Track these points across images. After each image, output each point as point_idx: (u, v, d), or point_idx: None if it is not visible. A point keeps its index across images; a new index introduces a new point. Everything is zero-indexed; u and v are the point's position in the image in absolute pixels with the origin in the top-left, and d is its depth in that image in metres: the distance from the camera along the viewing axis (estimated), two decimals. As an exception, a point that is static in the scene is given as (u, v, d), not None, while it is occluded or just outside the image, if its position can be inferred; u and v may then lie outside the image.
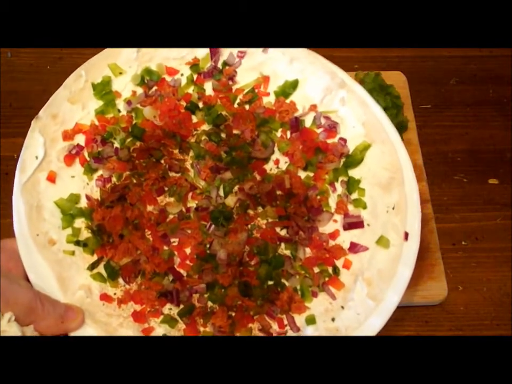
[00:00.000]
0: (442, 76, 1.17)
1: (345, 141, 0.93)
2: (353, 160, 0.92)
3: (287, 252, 0.87)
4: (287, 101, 0.96)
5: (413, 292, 0.93)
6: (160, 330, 0.80)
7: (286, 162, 0.93)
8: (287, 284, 0.84)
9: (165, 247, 0.85)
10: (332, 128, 0.94)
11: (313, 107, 0.96)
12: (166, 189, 0.89)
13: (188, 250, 0.86)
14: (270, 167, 0.93)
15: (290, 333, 0.81)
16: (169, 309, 0.82)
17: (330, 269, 0.86)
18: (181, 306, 0.82)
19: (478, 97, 1.14)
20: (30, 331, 0.71)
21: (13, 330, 0.68)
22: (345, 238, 0.88)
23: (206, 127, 0.95)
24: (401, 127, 1.04)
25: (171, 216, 0.88)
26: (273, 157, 0.93)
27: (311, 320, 0.81)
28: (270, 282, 0.84)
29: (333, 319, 0.81)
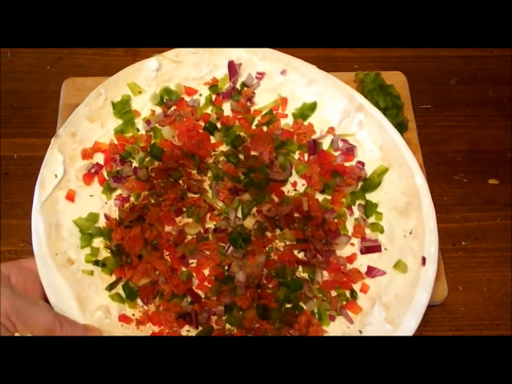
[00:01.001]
0: (442, 75, 1.17)
1: (363, 164, 0.94)
2: (371, 183, 0.92)
3: (305, 275, 0.87)
4: (305, 123, 0.97)
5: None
6: None
7: (303, 184, 0.93)
8: (305, 307, 0.84)
9: (184, 268, 0.85)
10: (350, 151, 0.94)
11: (331, 130, 0.96)
12: (184, 209, 0.89)
13: (206, 272, 0.85)
14: (287, 189, 0.93)
15: None
16: (187, 331, 0.82)
17: (347, 293, 0.86)
18: (199, 328, 0.81)
19: (478, 97, 1.14)
20: None
21: None
22: (362, 262, 0.88)
23: (224, 147, 0.95)
24: (401, 127, 1.04)
25: (189, 237, 0.87)
26: (291, 179, 0.93)
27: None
28: (288, 305, 0.84)
29: None
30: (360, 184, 0.93)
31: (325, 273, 0.87)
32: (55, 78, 1.09)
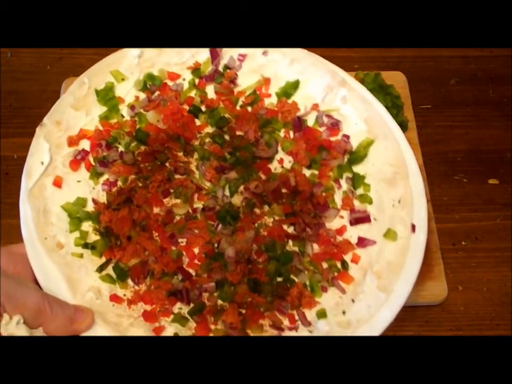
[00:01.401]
0: (442, 76, 1.17)
1: (348, 137, 0.94)
2: (357, 156, 0.92)
3: (295, 249, 0.87)
4: (289, 101, 0.97)
5: (413, 292, 0.93)
6: (171, 329, 0.79)
7: (290, 161, 0.93)
8: (296, 279, 0.84)
9: (173, 247, 0.85)
10: (335, 126, 0.95)
11: (315, 106, 0.96)
12: (172, 191, 0.89)
13: (196, 250, 0.86)
14: (274, 166, 0.93)
15: (301, 328, 0.81)
16: (180, 308, 0.82)
17: (339, 264, 0.86)
18: (191, 305, 0.82)
19: (478, 97, 1.15)
20: (39, 333, 0.70)
21: (21, 332, 0.67)
22: (352, 233, 0.88)
23: (209, 129, 0.95)
24: (401, 127, 1.04)
25: (178, 217, 0.88)
26: (277, 157, 0.94)
27: (322, 314, 0.81)
28: (279, 279, 0.84)
29: (343, 312, 0.81)
30: (346, 157, 0.93)
31: (315, 246, 0.87)
32: (55, 78, 1.09)
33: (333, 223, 0.89)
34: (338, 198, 0.91)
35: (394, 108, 1.04)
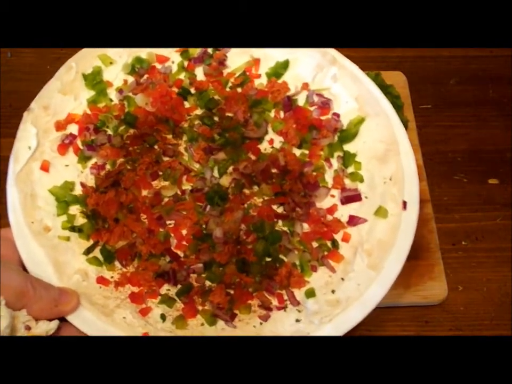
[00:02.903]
0: (442, 76, 1.17)
1: (338, 115, 0.93)
2: (348, 134, 0.92)
3: (285, 228, 0.86)
4: (279, 81, 0.96)
5: (413, 292, 0.93)
6: (158, 310, 0.79)
7: (280, 141, 0.93)
8: (285, 259, 0.84)
9: (161, 229, 0.85)
10: (325, 105, 0.94)
11: (305, 86, 0.96)
12: (161, 173, 0.89)
13: (184, 232, 0.85)
14: (264, 147, 0.92)
15: (290, 308, 0.80)
16: (167, 290, 0.82)
17: (329, 243, 0.85)
18: (179, 286, 0.81)
19: (478, 97, 1.14)
20: (22, 316, 0.70)
21: (3, 314, 0.67)
22: (343, 212, 0.87)
23: (198, 111, 0.95)
24: (401, 127, 1.04)
25: (166, 199, 0.87)
26: (268, 137, 0.93)
27: (310, 293, 0.81)
28: (268, 259, 0.84)
29: (333, 291, 0.81)
30: (337, 136, 0.92)
31: (306, 225, 0.86)
32: (55, 78, 1.08)
33: (324, 202, 0.88)
34: (329, 177, 0.90)
35: (394, 107, 1.04)
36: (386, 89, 1.05)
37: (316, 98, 0.95)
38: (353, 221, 0.86)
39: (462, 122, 1.12)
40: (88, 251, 0.83)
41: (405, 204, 0.83)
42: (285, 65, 0.97)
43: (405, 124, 1.05)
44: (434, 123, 1.11)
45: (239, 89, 0.96)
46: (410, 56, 1.17)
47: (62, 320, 0.74)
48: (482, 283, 0.97)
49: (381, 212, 0.84)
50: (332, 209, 0.88)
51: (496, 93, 1.15)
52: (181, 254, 0.84)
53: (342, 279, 0.82)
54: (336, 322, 0.76)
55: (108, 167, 0.89)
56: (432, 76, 1.16)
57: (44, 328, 0.71)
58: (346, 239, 0.85)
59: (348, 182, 0.90)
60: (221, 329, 0.79)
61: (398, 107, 1.05)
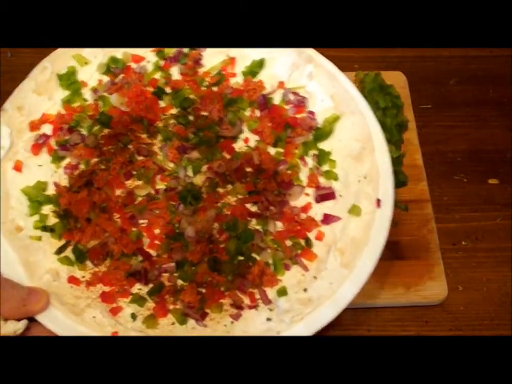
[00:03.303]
0: (442, 76, 1.17)
1: (313, 114, 0.93)
2: (323, 132, 0.92)
3: (258, 227, 0.86)
4: (255, 80, 0.96)
5: (413, 292, 0.93)
6: (129, 310, 0.79)
7: (255, 140, 0.93)
8: (258, 258, 0.83)
9: (133, 229, 0.85)
10: (301, 103, 0.94)
11: (281, 84, 0.96)
12: (134, 172, 0.89)
13: (157, 231, 0.85)
14: (239, 145, 0.92)
15: (262, 306, 0.80)
16: (139, 289, 0.81)
17: (302, 242, 0.85)
18: (150, 285, 0.81)
19: (478, 97, 1.14)
20: None
21: None
22: (317, 211, 0.87)
23: (174, 111, 0.95)
24: (401, 127, 1.05)
25: (139, 199, 0.87)
26: (243, 136, 0.93)
27: (282, 292, 0.80)
28: (241, 258, 0.83)
29: (305, 290, 0.80)
30: (312, 134, 0.92)
31: (279, 224, 0.86)
32: (55, 78, 1.08)
33: (298, 201, 0.88)
34: (303, 175, 0.90)
35: (394, 107, 1.04)
36: (386, 89, 1.05)
37: (291, 97, 0.95)
38: (327, 219, 0.86)
39: (462, 122, 1.12)
40: (59, 251, 0.82)
41: (378, 202, 0.83)
42: (260, 64, 0.97)
43: (405, 123, 1.05)
44: (434, 123, 1.11)
45: (214, 88, 0.96)
46: (410, 56, 1.17)
47: (33, 320, 0.74)
48: (482, 283, 0.97)
49: (355, 210, 0.84)
50: (306, 208, 0.87)
51: (496, 93, 1.15)
52: (153, 253, 0.84)
53: (315, 277, 0.81)
54: (307, 321, 0.76)
55: (81, 166, 0.89)
56: (432, 75, 1.16)
57: (12, 327, 0.71)
58: (320, 237, 0.85)
59: (322, 181, 0.89)
60: (192, 328, 0.78)
61: (398, 107, 1.05)
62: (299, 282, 0.82)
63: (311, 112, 0.93)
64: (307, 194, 0.89)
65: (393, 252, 0.96)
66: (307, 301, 0.79)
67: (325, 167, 0.90)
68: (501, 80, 1.16)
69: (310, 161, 0.91)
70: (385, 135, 1.01)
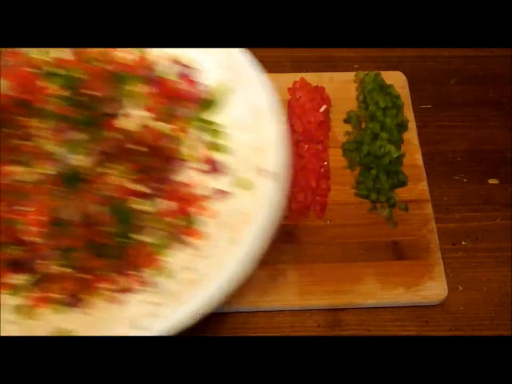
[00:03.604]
0: (442, 76, 1.17)
1: (204, 86, 0.90)
2: (213, 105, 0.89)
3: (142, 207, 0.82)
4: (145, 55, 0.93)
5: (413, 292, 0.93)
6: (8, 300, 0.76)
7: (143, 116, 0.89)
8: (142, 238, 0.80)
9: (13, 216, 0.81)
10: (192, 77, 0.91)
11: (172, 58, 0.93)
12: (16, 158, 0.84)
13: (38, 217, 0.81)
14: (125, 123, 0.88)
15: (144, 289, 0.77)
16: (19, 279, 0.78)
17: (188, 219, 0.82)
18: (31, 275, 0.78)
19: (478, 97, 1.14)
20: None
21: None
22: (206, 185, 0.84)
23: (59, 91, 0.89)
24: (401, 127, 1.05)
25: (21, 184, 0.83)
26: (130, 112, 0.89)
27: (166, 273, 0.78)
28: (124, 240, 0.80)
29: (191, 269, 0.77)
30: (202, 107, 0.89)
31: (165, 202, 0.83)
32: (55, 78, 1.08)
33: (185, 176, 0.85)
34: (192, 149, 0.87)
35: (394, 107, 1.04)
36: (386, 89, 1.06)
37: (181, 70, 0.92)
38: (216, 194, 0.83)
39: (462, 122, 1.11)
40: None
41: (268, 174, 0.80)
42: None
43: (405, 123, 1.05)
44: (434, 123, 1.11)
45: (102, 66, 0.91)
46: (410, 56, 1.17)
47: None
48: (482, 283, 0.97)
49: (244, 183, 0.81)
50: (193, 184, 0.84)
51: (496, 93, 1.15)
52: (35, 240, 0.79)
53: (202, 256, 0.78)
54: (195, 302, 0.72)
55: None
56: (432, 75, 1.16)
57: None
58: (208, 213, 0.82)
59: (211, 154, 0.86)
60: (72, 315, 0.76)
61: (398, 107, 1.05)
62: (185, 262, 0.78)
63: (202, 85, 0.90)
64: (194, 169, 0.86)
65: (393, 251, 0.96)
66: (193, 281, 0.76)
67: (215, 140, 0.87)
68: (501, 80, 1.16)
69: (198, 134, 0.88)
70: (385, 135, 1.01)
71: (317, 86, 1.08)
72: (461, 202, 1.03)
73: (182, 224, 0.81)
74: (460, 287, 0.96)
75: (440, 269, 0.95)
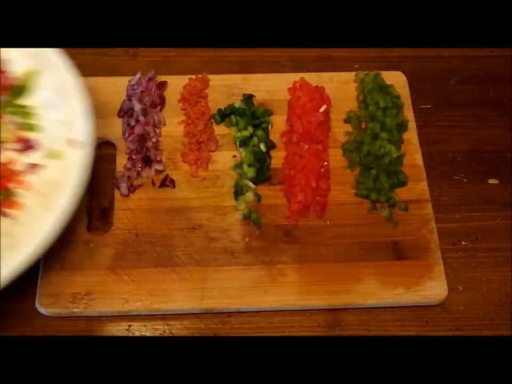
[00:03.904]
0: (442, 76, 1.16)
1: (10, 73, 0.96)
2: (21, 89, 0.95)
3: None
4: None
5: (413, 292, 0.93)
6: None
7: None
8: None
9: None
10: (1, 67, 0.96)
11: None
12: None
13: None
14: None
15: None
16: None
17: (6, 193, 0.88)
18: None
19: (478, 97, 1.14)
20: None
21: None
22: (21, 162, 0.91)
23: None
24: (401, 127, 1.05)
25: None
26: None
27: None
28: None
29: (9, 237, 0.84)
30: (13, 93, 0.96)
31: None
32: (55, 78, 1.08)
33: (4, 156, 0.91)
34: (6, 132, 0.93)
35: (394, 107, 1.04)
36: (386, 89, 1.06)
37: None
38: (30, 168, 0.90)
39: (462, 122, 1.11)
40: None
41: (76, 144, 0.88)
42: None
43: (405, 123, 1.05)
44: (434, 123, 1.11)
45: None
46: (410, 56, 1.17)
47: None
48: (482, 283, 0.97)
49: (54, 154, 0.90)
50: (10, 162, 0.91)
51: (496, 93, 1.15)
52: None
53: (21, 224, 0.86)
54: (12, 266, 0.80)
55: None
56: (432, 75, 1.16)
57: None
58: (24, 186, 0.89)
59: (24, 133, 0.93)
60: None
61: (398, 107, 1.05)
62: (5, 232, 0.85)
63: (8, 72, 0.96)
64: (9, 149, 0.92)
65: (393, 251, 0.96)
66: (12, 247, 0.83)
67: (27, 121, 0.94)
68: (501, 80, 1.16)
69: (11, 118, 0.94)
70: (385, 135, 1.01)
71: (317, 86, 1.08)
72: (461, 202, 1.03)
73: (1, 198, 0.88)
74: (460, 287, 0.96)
75: (440, 269, 0.95)
